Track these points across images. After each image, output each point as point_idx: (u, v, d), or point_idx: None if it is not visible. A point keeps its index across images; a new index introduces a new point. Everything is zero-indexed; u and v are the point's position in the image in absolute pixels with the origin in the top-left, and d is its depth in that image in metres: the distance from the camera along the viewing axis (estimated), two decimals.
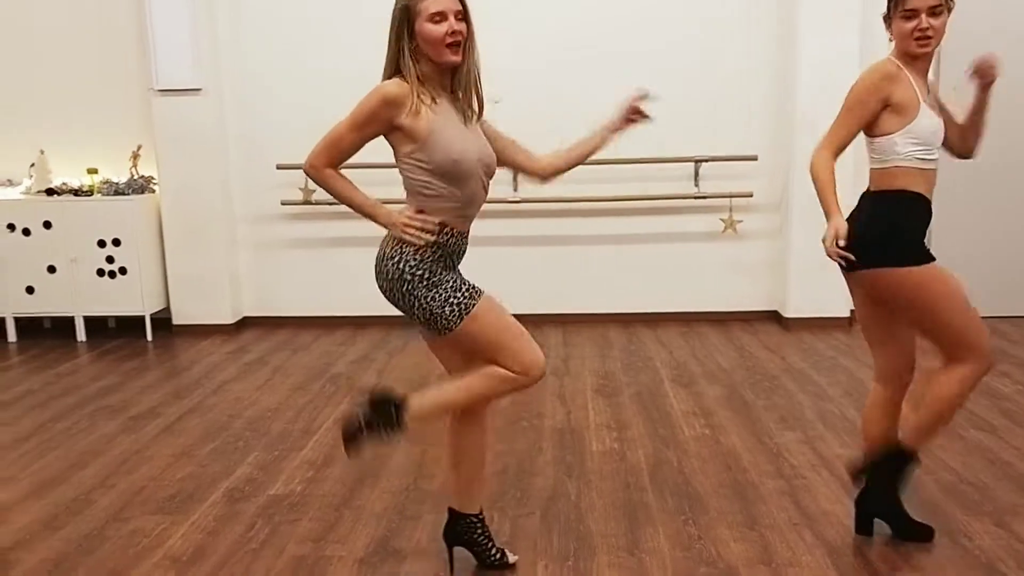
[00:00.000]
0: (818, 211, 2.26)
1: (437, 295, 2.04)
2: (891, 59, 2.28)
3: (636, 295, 5.31)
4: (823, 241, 2.20)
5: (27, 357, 4.76)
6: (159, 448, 3.32)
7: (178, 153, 5.05)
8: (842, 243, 2.16)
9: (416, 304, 2.04)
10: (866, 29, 4.66)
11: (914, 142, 2.23)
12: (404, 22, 2.00)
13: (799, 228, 5.05)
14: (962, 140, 2.41)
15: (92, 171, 5.08)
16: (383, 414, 2.07)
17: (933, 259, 2.26)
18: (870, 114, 2.24)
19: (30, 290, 5.02)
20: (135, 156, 5.14)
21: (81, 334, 5.10)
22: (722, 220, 5.08)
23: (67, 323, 5.20)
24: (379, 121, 2.00)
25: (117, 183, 5.05)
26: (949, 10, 2.24)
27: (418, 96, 1.98)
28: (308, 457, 3.19)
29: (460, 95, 2.07)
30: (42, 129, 5.24)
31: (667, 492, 2.81)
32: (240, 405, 3.80)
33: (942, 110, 2.36)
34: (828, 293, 4.85)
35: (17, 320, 5.13)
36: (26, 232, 4.96)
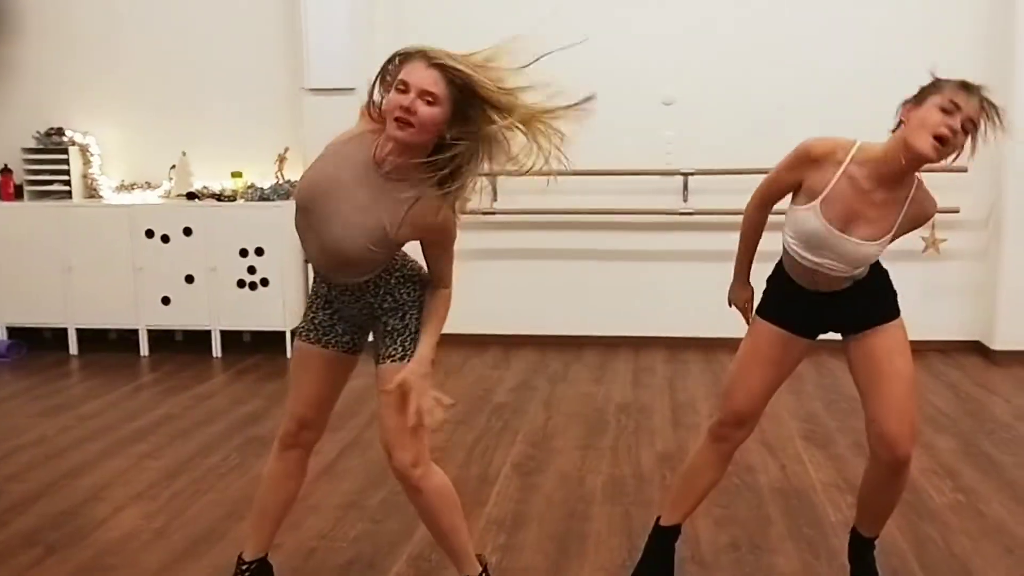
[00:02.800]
0: None
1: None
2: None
3: None
4: None
5: (162, 374, 4.52)
6: (323, 495, 2.96)
7: None
8: None
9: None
10: None
11: None
12: (387, 64, 1.95)
13: (1013, 248, 4.45)
14: None
15: (237, 175, 4.81)
16: None
17: None
18: None
19: (166, 301, 4.79)
20: (281, 160, 4.82)
21: (217, 349, 4.84)
22: (923, 239, 4.44)
23: (200, 336, 4.92)
24: None
25: (262, 188, 4.75)
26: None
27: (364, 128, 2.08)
28: (494, 515, 2.78)
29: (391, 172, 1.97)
30: (184, 129, 4.95)
31: None
32: None
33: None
34: None
35: (150, 332, 4.91)
36: (165, 239, 4.72)
